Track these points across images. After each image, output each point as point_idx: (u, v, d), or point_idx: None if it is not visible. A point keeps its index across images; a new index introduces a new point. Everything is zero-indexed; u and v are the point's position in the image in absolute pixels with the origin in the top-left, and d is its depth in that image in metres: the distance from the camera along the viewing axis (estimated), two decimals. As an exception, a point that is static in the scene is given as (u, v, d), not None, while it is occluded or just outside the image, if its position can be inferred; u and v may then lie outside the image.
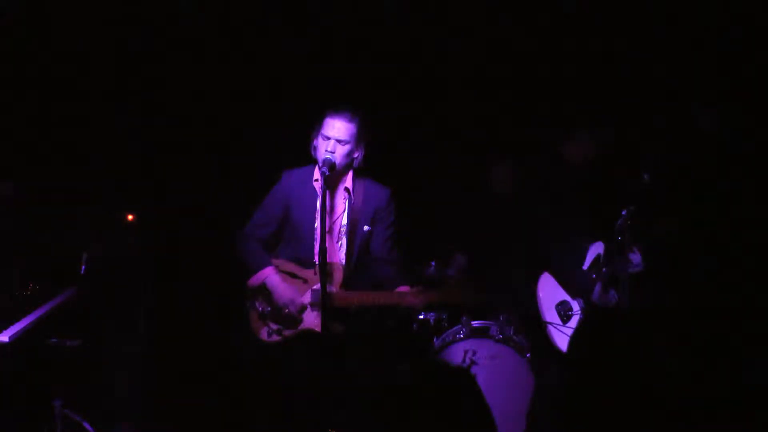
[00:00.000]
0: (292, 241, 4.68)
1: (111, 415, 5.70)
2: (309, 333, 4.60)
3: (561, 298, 5.22)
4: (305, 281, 4.63)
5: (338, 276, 4.58)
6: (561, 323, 5.15)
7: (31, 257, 5.45)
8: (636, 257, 5.02)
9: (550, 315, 5.21)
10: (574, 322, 5.16)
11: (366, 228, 4.64)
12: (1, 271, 5.30)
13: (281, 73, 6.30)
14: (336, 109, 4.57)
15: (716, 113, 5.89)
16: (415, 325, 6.02)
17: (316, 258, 4.49)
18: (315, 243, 4.55)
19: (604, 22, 6.07)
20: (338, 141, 4.51)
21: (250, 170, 6.07)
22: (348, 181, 4.67)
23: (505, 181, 6.17)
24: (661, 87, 6.02)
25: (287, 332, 4.60)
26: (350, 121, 4.52)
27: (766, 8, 5.73)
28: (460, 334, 5.75)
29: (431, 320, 6.00)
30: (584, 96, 6.16)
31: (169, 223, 6.17)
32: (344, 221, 4.65)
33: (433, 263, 5.84)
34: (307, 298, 4.61)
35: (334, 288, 4.55)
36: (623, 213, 4.85)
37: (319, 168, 4.57)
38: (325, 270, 4.38)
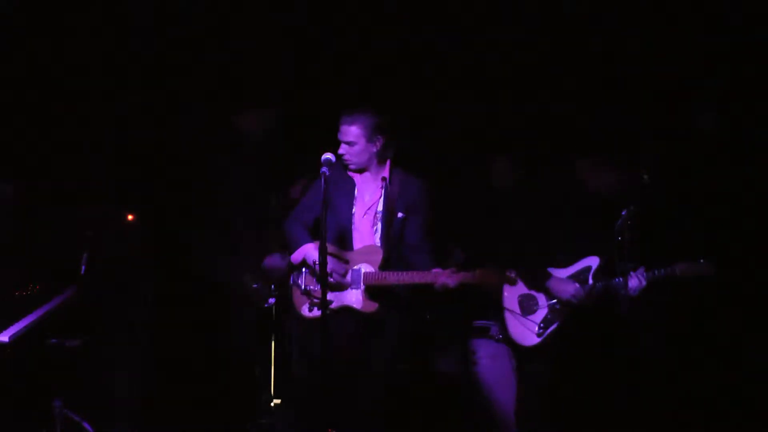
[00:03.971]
0: (333, 226, 4.98)
1: (111, 415, 5.70)
2: (348, 309, 4.91)
3: (524, 292, 5.25)
4: (347, 261, 4.95)
5: (377, 257, 4.91)
6: (520, 313, 5.22)
7: (31, 257, 5.45)
8: (634, 282, 5.07)
9: (511, 304, 5.28)
10: (538, 316, 5.21)
11: (400, 215, 4.95)
12: (1, 271, 5.30)
13: (288, 74, 6.33)
14: (342, 115, 4.97)
15: (716, 113, 5.90)
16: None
17: (354, 244, 4.96)
18: (352, 227, 4.99)
19: (604, 21, 6.07)
20: (346, 143, 4.93)
21: (251, 170, 6.07)
22: (385, 171, 5.05)
23: (506, 174, 6.16)
24: (661, 87, 6.03)
25: (329, 307, 4.85)
26: (351, 123, 4.92)
27: (766, 8, 5.74)
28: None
29: (431, 320, 6.01)
30: (584, 96, 6.17)
31: (169, 223, 6.17)
32: (380, 207, 5.00)
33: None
34: (348, 276, 4.93)
35: (373, 268, 4.89)
36: (623, 213, 4.85)
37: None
38: (325, 261, 4.57)
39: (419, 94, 6.40)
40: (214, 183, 6.06)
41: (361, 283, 4.90)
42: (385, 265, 4.91)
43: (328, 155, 4.72)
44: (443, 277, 4.77)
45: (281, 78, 6.32)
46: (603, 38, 6.10)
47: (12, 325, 4.92)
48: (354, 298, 4.91)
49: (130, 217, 5.90)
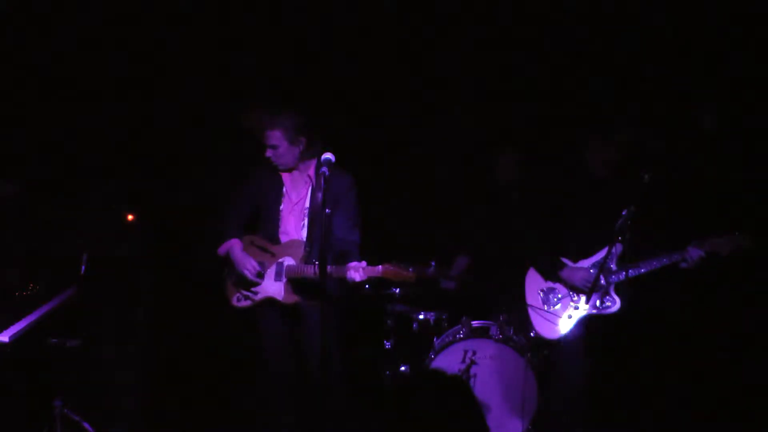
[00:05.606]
0: (264, 222, 5.31)
1: (111, 415, 5.71)
2: (272, 300, 5.18)
3: (543, 286, 5.26)
4: (273, 255, 5.20)
5: (300, 251, 5.13)
6: (542, 308, 5.23)
7: (31, 257, 5.46)
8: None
9: (533, 299, 5.30)
10: (562, 309, 5.21)
11: (327, 211, 5.05)
12: (1, 271, 5.30)
13: (279, 76, 6.33)
14: (264, 120, 5.22)
15: (716, 113, 5.90)
16: (415, 325, 6.03)
17: (280, 236, 5.23)
18: (279, 223, 5.26)
19: (604, 22, 6.07)
20: (270, 147, 5.16)
21: (249, 169, 6.07)
22: (311, 169, 5.26)
23: (511, 169, 6.16)
24: (660, 88, 6.02)
25: (255, 298, 5.21)
26: (272, 128, 5.14)
27: (766, 8, 5.73)
28: (460, 334, 5.76)
29: (431, 320, 6.01)
30: (584, 97, 6.17)
31: (169, 223, 6.17)
32: (307, 204, 5.22)
33: (433, 263, 5.85)
34: (272, 268, 5.19)
35: (295, 261, 5.12)
36: (623, 213, 4.85)
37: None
38: (325, 255, 4.72)
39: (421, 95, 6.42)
40: (216, 181, 6.08)
41: (284, 276, 5.12)
42: (308, 259, 5.11)
43: (327, 155, 4.80)
44: (351, 271, 4.95)
45: (285, 78, 6.35)
46: (603, 37, 6.11)
47: (12, 325, 4.92)
48: (276, 289, 5.15)
49: (130, 217, 5.91)
